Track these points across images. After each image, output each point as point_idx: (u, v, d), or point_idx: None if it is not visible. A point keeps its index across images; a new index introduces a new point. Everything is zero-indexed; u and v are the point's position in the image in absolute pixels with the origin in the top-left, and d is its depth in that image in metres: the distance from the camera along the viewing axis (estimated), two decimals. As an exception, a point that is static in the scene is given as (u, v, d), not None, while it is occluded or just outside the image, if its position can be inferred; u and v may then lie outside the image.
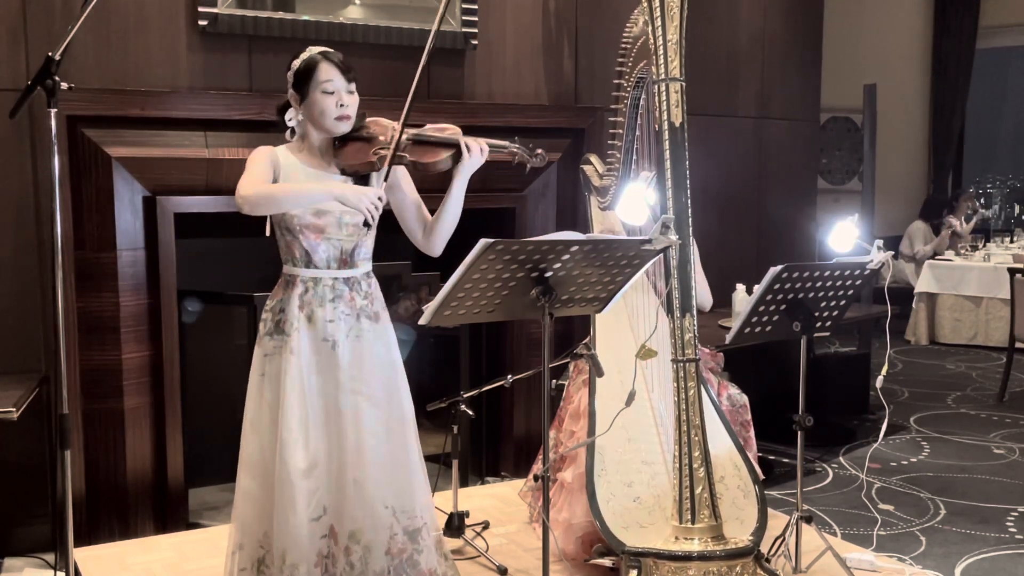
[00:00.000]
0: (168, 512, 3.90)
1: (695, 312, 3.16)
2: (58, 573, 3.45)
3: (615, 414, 3.02)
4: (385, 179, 2.68)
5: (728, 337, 3.26)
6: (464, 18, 4.41)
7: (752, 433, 3.62)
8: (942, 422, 5.76)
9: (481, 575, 3.41)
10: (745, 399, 3.65)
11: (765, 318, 3.23)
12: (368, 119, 2.80)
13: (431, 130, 2.80)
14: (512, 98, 4.60)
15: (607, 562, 3.24)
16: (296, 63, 2.71)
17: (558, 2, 4.72)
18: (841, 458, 5.03)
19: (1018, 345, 6.27)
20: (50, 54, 2.62)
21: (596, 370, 3.04)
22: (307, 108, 2.71)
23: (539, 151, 2.84)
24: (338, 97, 2.68)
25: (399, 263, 3.46)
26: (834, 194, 9.44)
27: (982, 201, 9.87)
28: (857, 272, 3.29)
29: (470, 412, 3.54)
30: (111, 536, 3.79)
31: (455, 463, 3.61)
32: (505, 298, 2.59)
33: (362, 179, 2.75)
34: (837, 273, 3.26)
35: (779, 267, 3.12)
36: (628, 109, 3.50)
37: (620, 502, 3.18)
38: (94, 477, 3.78)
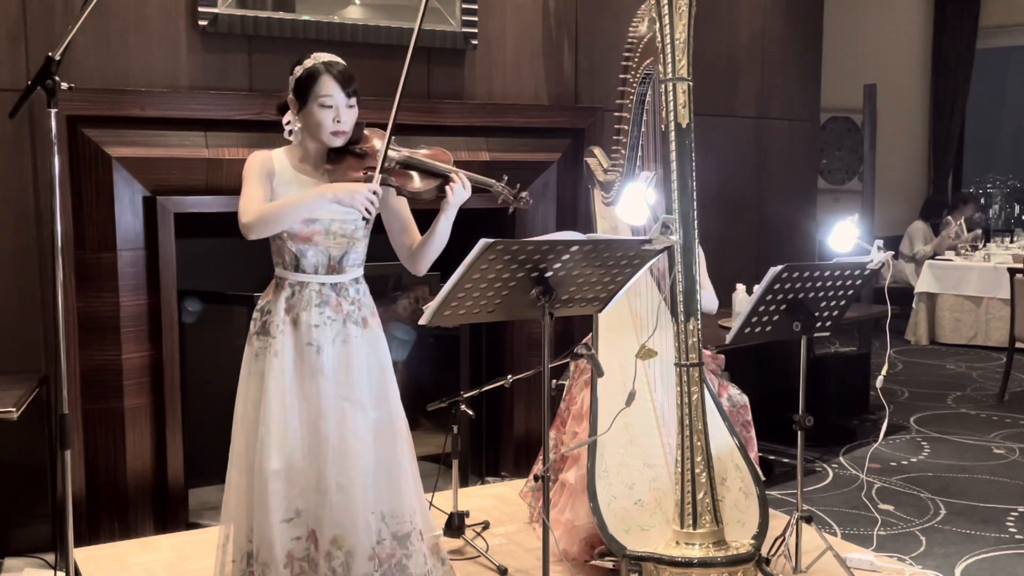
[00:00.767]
0: (168, 512, 3.90)
1: (699, 316, 3.14)
2: (58, 573, 3.45)
3: (616, 414, 3.02)
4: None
5: (728, 337, 3.26)
6: (464, 18, 4.40)
7: (753, 433, 3.62)
8: (942, 422, 5.76)
9: (481, 575, 3.41)
10: (745, 399, 3.65)
11: (765, 318, 3.23)
12: (366, 131, 2.79)
13: (424, 155, 2.78)
14: (512, 98, 4.60)
15: (607, 563, 3.24)
16: (298, 70, 2.69)
17: (558, 2, 4.72)
18: (841, 458, 5.03)
19: (1018, 345, 6.27)
20: (50, 54, 2.62)
21: (596, 370, 3.04)
22: (304, 117, 2.71)
23: (524, 194, 2.82)
24: (335, 112, 2.67)
25: (399, 263, 3.45)
26: (834, 194, 9.44)
27: (980, 215, 9.85)
28: (857, 272, 3.29)
29: (470, 412, 3.54)
30: (111, 536, 3.79)
31: (455, 463, 3.61)
32: (505, 298, 2.60)
33: None
34: (837, 273, 3.26)
35: (779, 267, 3.12)
36: (634, 105, 3.49)
37: (621, 504, 3.18)
38: (94, 477, 3.78)
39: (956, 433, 5.51)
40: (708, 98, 5.14)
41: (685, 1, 3.11)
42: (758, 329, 3.25)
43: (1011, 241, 8.78)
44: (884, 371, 3.43)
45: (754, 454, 3.54)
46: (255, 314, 2.77)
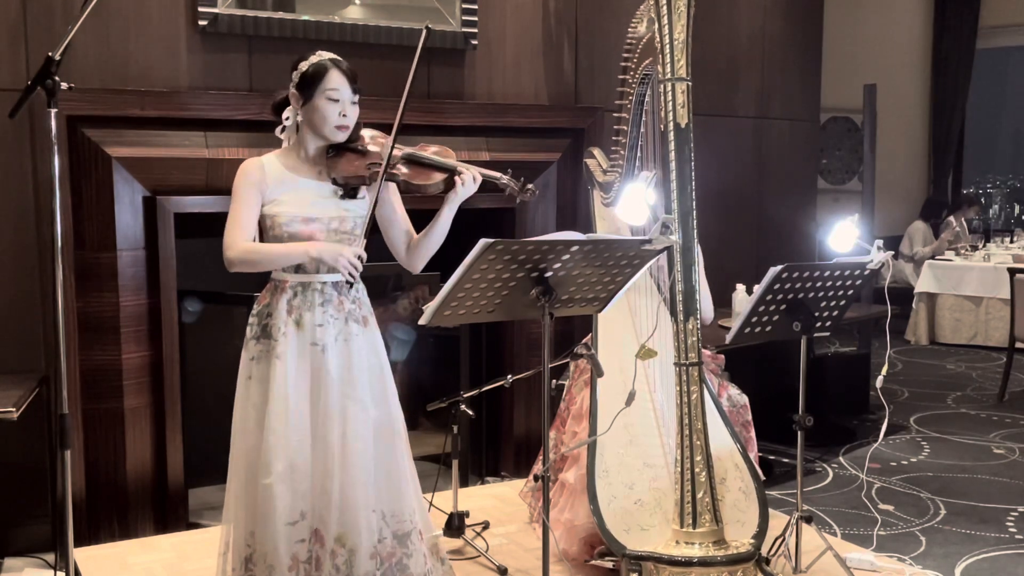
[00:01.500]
0: (168, 512, 3.90)
1: (699, 316, 3.14)
2: (58, 573, 3.45)
3: (616, 414, 3.02)
4: (377, 194, 2.73)
5: (728, 337, 3.26)
6: (464, 18, 4.40)
7: (752, 433, 3.62)
8: (942, 422, 5.76)
9: (481, 575, 3.41)
10: (745, 399, 3.65)
11: (765, 318, 3.23)
12: (363, 131, 2.82)
13: (427, 151, 2.84)
14: (512, 98, 4.60)
15: (607, 563, 3.24)
16: (304, 65, 2.71)
17: (558, 2, 4.72)
18: (841, 458, 5.03)
19: (1018, 345, 6.27)
20: (50, 54, 2.62)
21: (596, 370, 3.04)
22: (308, 111, 2.71)
23: (530, 186, 2.86)
24: (342, 107, 2.70)
25: (399, 263, 3.46)
26: (834, 194, 9.44)
27: (978, 220, 9.86)
28: (857, 272, 3.29)
29: (470, 412, 3.54)
30: (111, 536, 3.79)
31: (455, 463, 3.61)
32: (505, 298, 2.60)
33: (352, 191, 2.77)
34: (837, 273, 3.26)
35: (779, 267, 3.12)
36: (633, 105, 3.49)
37: (621, 504, 3.18)
38: (94, 477, 3.78)
39: (956, 433, 5.51)
40: (708, 98, 5.15)
41: (684, 1, 3.12)
42: (758, 329, 3.25)
43: (1011, 241, 8.79)
44: (884, 371, 3.43)
45: (754, 454, 3.53)
46: (251, 319, 2.76)
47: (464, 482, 4.41)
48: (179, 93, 3.83)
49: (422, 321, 2.59)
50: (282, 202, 2.70)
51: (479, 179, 2.80)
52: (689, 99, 3.13)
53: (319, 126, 2.71)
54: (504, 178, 2.84)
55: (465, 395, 3.54)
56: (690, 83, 3.13)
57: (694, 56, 3.15)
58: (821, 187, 8.28)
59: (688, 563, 2.95)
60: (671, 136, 3.12)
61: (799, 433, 3.32)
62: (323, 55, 2.73)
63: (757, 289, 3.18)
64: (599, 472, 3.21)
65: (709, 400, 3.27)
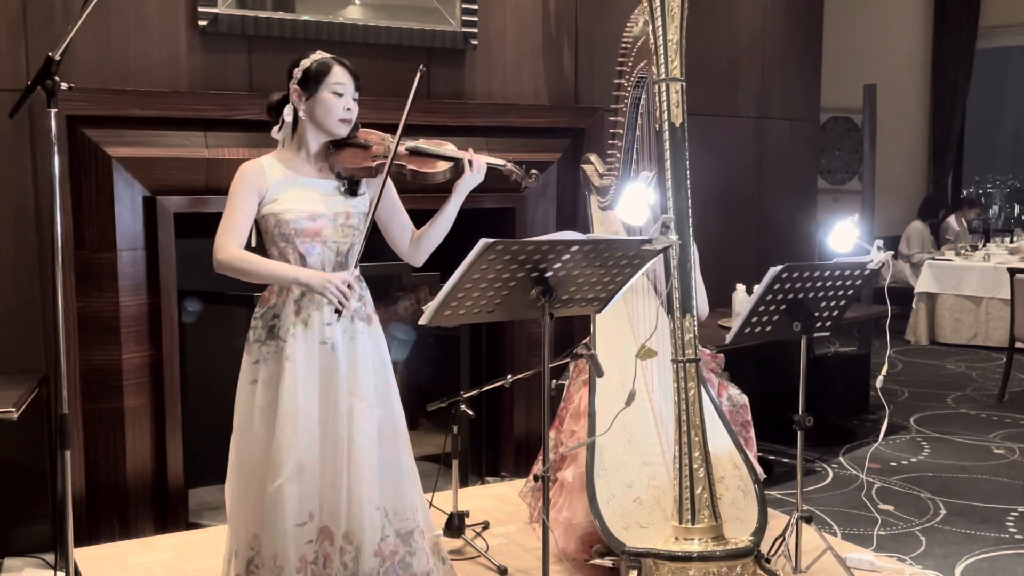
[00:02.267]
0: (168, 512, 3.90)
1: (696, 312, 3.16)
2: (58, 573, 3.45)
3: (615, 414, 3.02)
4: (383, 186, 2.74)
5: (728, 337, 3.26)
6: (464, 18, 4.40)
7: (752, 433, 3.62)
8: (942, 422, 5.76)
9: (481, 575, 3.41)
10: (745, 399, 3.65)
11: (765, 318, 3.23)
12: (361, 130, 2.84)
13: (429, 143, 2.87)
14: (512, 98, 4.60)
15: (607, 562, 3.24)
16: (306, 62, 2.73)
17: (558, 2, 4.72)
18: (841, 458, 5.03)
19: (1018, 345, 6.27)
20: (50, 54, 2.62)
21: (596, 370, 3.04)
22: (311, 105, 2.72)
23: (534, 171, 2.91)
24: (346, 100, 2.73)
25: (399, 263, 3.46)
26: (834, 194, 9.44)
27: (978, 221, 9.85)
28: (857, 272, 3.29)
29: (470, 412, 3.54)
30: (111, 536, 3.78)
31: (455, 463, 3.61)
32: (505, 298, 2.60)
33: (355, 184, 2.77)
34: (837, 273, 3.26)
35: (779, 267, 3.12)
36: (628, 108, 3.51)
37: (620, 502, 3.18)
38: (94, 477, 3.78)
39: (956, 433, 5.51)
40: (708, 98, 5.15)
41: (677, 3, 3.14)
42: (758, 329, 3.25)
43: (1011, 241, 8.79)
44: (884, 371, 3.43)
45: (753, 454, 3.54)
46: (254, 322, 2.76)
47: (464, 482, 4.41)
48: (179, 93, 3.83)
49: (422, 321, 2.59)
50: (285, 200, 2.71)
51: (484, 167, 2.84)
52: (683, 98, 3.14)
53: (323, 120, 2.73)
54: (508, 164, 2.90)
55: (465, 395, 3.54)
56: (684, 83, 3.14)
57: (694, 56, 3.16)
58: (821, 187, 8.28)
59: (687, 558, 2.96)
60: (666, 135, 3.14)
61: (799, 433, 3.32)
62: (324, 54, 2.76)
63: (757, 289, 3.18)
64: (598, 471, 3.21)
65: (707, 399, 3.28)
